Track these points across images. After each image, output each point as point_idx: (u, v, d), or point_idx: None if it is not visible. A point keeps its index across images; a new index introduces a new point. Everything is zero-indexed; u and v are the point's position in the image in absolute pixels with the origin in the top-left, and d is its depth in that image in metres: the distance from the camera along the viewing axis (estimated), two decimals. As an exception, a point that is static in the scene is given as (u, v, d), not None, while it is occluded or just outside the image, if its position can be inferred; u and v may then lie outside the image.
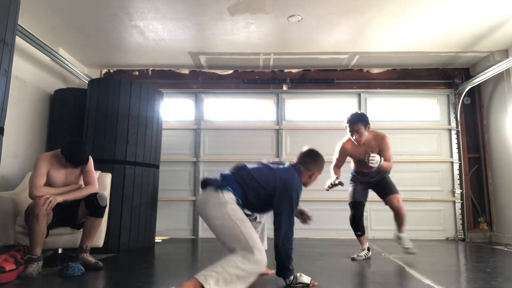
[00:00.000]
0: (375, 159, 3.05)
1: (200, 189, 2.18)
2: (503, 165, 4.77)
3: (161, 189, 4.56)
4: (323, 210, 5.09)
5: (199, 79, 5.51)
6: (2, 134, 1.73)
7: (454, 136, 5.23)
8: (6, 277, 2.33)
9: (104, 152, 3.79)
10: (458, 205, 5.09)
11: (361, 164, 3.31)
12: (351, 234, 4.93)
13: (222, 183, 2.07)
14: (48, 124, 4.57)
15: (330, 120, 5.34)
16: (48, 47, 4.18)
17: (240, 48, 4.74)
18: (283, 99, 5.44)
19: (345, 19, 3.98)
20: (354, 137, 3.23)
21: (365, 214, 3.74)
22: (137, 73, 5.53)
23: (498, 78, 4.77)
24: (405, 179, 4.80)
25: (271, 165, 2.27)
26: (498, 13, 3.77)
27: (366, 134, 3.21)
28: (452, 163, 5.19)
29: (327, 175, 3.92)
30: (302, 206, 2.50)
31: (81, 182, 3.01)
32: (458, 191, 5.10)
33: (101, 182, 3.33)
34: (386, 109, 5.40)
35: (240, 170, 2.19)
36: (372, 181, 3.37)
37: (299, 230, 5.37)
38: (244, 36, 4.40)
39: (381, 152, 3.17)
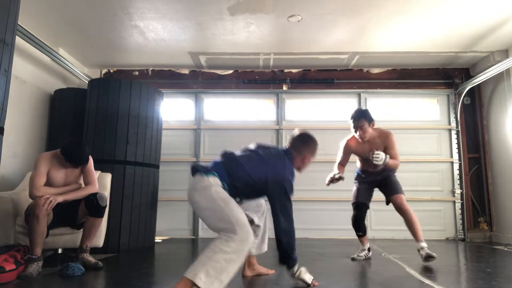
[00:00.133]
0: (380, 157, 2.98)
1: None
2: (503, 165, 4.77)
3: (161, 189, 4.56)
4: (323, 210, 5.10)
5: (199, 79, 5.51)
6: (2, 134, 1.73)
7: (454, 136, 5.23)
8: (6, 277, 2.33)
9: (104, 152, 3.79)
10: (458, 205, 5.10)
11: (366, 162, 3.25)
12: (351, 234, 4.94)
13: (209, 168, 2.04)
14: (48, 124, 4.57)
15: (330, 120, 5.34)
16: (48, 47, 4.18)
17: (240, 48, 4.74)
18: (283, 99, 5.44)
19: (345, 19, 3.98)
20: (357, 133, 3.16)
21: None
22: (137, 73, 5.53)
23: (498, 78, 4.77)
24: (405, 179, 4.76)
25: (261, 153, 2.19)
26: (498, 13, 3.78)
27: (370, 131, 3.15)
28: (452, 163, 5.20)
29: (326, 175, 3.91)
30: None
31: (81, 182, 3.01)
32: (458, 191, 5.10)
33: (101, 182, 3.33)
34: (386, 109, 5.39)
35: (228, 159, 2.14)
36: (377, 179, 3.29)
37: (299, 230, 5.36)
38: (244, 36, 4.40)
39: (387, 150, 3.10)
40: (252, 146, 2.30)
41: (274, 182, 2.07)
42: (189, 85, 5.51)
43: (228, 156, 2.16)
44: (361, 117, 3.14)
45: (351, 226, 3.41)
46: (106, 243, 3.39)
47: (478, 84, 5.09)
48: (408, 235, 3.25)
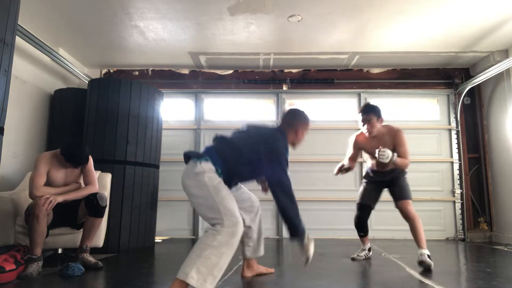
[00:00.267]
0: (386, 154, 2.84)
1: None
2: (503, 165, 4.77)
3: (161, 189, 4.56)
4: (323, 210, 5.10)
5: (199, 79, 5.51)
6: (2, 134, 1.73)
7: (454, 136, 5.23)
8: (6, 277, 2.33)
9: (104, 152, 3.79)
10: (458, 205, 5.10)
11: (376, 161, 3.16)
12: (351, 234, 4.95)
13: (202, 154, 2.01)
14: (48, 124, 4.57)
15: (330, 120, 5.35)
16: (48, 47, 4.18)
17: (240, 48, 4.74)
18: (283, 99, 5.44)
19: (345, 19, 3.98)
20: (365, 128, 3.08)
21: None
22: (137, 73, 5.53)
23: (498, 78, 4.77)
24: (405, 179, 4.80)
25: (252, 131, 2.19)
26: (498, 13, 3.77)
27: (378, 126, 3.06)
28: (452, 163, 5.20)
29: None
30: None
31: (81, 182, 3.01)
32: (458, 191, 5.10)
33: (101, 182, 3.33)
34: (386, 109, 5.35)
35: (220, 142, 2.13)
36: (385, 180, 3.17)
37: (299, 230, 5.34)
38: (244, 36, 4.40)
39: (396, 147, 2.98)
40: (242, 127, 2.28)
41: (268, 158, 2.03)
42: (189, 85, 5.51)
43: (220, 140, 2.15)
44: (370, 111, 3.06)
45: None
46: (106, 243, 3.39)
47: (478, 84, 5.09)
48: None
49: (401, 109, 5.42)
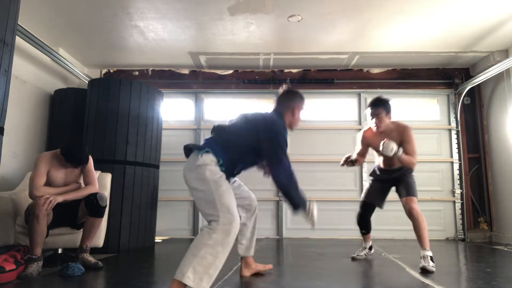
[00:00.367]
0: (390, 146, 2.77)
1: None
2: (503, 165, 4.77)
3: (161, 189, 4.56)
4: (323, 210, 5.06)
5: (199, 79, 5.51)
6: (2, 134, 1.73)
7: (454, 136, 5.23)
8: (6, 277, 2.33)
9: (104, 152, 3.79)
10: (458, 205, 5.09)
11: (383, 158, 3.14)
12: (351, 234, 4.96)
13: (202, 146, 2.01)
14: (48, 124, 4.57)
15: (330, 120, 5.35)
16: (48, 47, 4.18)
17: (240, 48, 4.74)
18: (283, 99, 5.43)
19: (345, 19, 3.98)
20: (373, 121, 3.01)
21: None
22: (137, 73, 5.53)
23: (498, 78, 4.77)
24: (405, 179, 4.80)
25: (249, 117, 2.22)
26: (498, 13, 3.77)
27: (386, 121, 3.01)
28: (452, 163, 5.20)
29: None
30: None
31: (81, 182, 3.01)
32: (458, 191, 5.10)
33: (101, 182, 3.33)
34: (386, 109, 5.38)
35: (219, 132, 2.15)
36: (391, 178, 3.11)
37: (299, 230, 5.38)
38: (244, 36, 4.40)
39: (403, 144, 2.90)
40: (238, 116, 2.29)
41: (267, 138, 2.05)
42: (189, 85, 5.51)
43: (218, 130, 2.18)
44: (380, 105, 3.02)
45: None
46: (106, 243, 3.39)
47: (478, 84, 5.09)
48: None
49: (401, 109, 5.41)
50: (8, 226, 3.04)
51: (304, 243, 4.37)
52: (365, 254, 3.28)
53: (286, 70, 5.49)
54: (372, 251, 3.38)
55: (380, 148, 2.85)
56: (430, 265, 2.69)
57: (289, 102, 2.33)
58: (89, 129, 3.91)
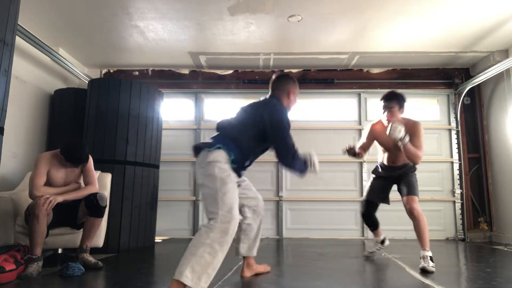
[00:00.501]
0: (397, 129, 2.70)
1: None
2: (503, 165, 4.77)
3: (161, 189, 4.56)
4: (323, 210, 5.10)
5: (199, 79, 5.51)
6: (2, 134, 1.73)
7: (454, 136, 5.23)
8: (6, 277, 2.33)
9: (104, 152, 3.79)
10: (458, 205, 5.09)
11: (387, 153, 3.11)
12: (351, 234, 4.97)
13: (213, 143, 2.03)
14: (48, 124, 4.57)
15: (330, 120, 5.34)
16: (48, 47, 4.18)
17: (240, 48, 4.74)
18: (283, 99, 5.43)
19: (345, 19, 3.98)
20: (385, 115, 2.98)
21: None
22: (137, 73, 5.53)
23: (498, 78, 4.77)
24: (405, 179, 4.80)
25: (251, 106, 2.32)
26: (498, 13, 3.77)
27: (398, 116, 2.98)
28: (452, 163, 5.20)
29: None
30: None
31: (81, 182, 3.01)
32: (458, 191, 5.10)
33: (101, 182, 3.33)
34: (386, 109, 5.38)
35: (225, 126, 2.20)
36: (394, 175, 3.09)
37: (300, 230, 5.38)
38: (244, 36, 4.40)
39: (411, 137, 2.83)
40: (238, 110, 2.35)
41: (271, 121, 2.12)
42: (189, 85, 5.51)
43: (224, 125, 2.22)
44: (394, 99, 2.98)
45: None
46: (106, 243, 3.39)
47: (478, 84, 5.09)
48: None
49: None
50: (8, 226, 3.04)
51: (304, 243, 4.37)
52: (377, 249, 3.26)
53: (286, 70, 5.48)
54: (387, 243, 3.31)
55: (387, 131, 2.80)
56: (430, 265, 2.69)
57: (284, 85, 2.43)
58: (89, 129, 3.91)
